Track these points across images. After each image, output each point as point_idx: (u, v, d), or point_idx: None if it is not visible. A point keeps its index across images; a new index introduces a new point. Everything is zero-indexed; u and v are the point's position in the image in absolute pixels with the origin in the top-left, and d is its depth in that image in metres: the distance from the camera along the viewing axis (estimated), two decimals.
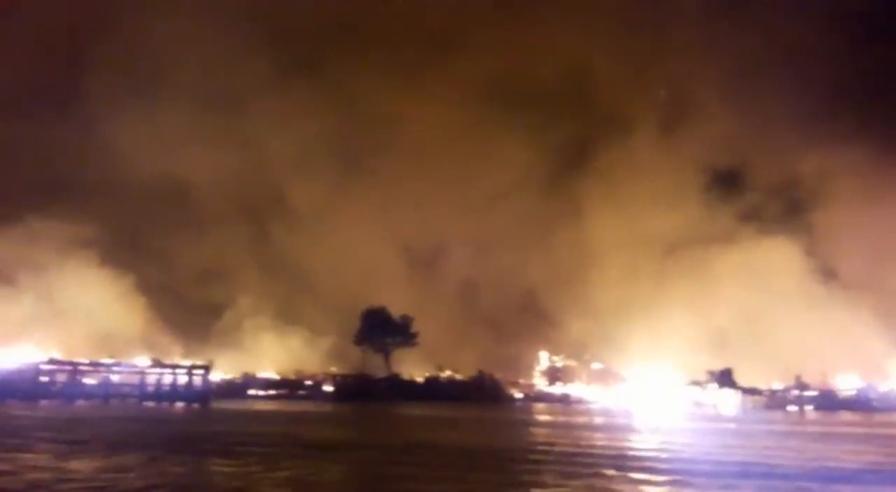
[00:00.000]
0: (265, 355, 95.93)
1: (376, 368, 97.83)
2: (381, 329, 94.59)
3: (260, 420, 45.43)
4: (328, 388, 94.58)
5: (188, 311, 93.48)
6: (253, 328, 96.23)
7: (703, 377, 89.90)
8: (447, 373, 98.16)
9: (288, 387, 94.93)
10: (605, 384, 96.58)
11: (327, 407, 69.22)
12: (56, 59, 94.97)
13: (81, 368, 63.72)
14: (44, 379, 62.34)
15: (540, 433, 36.93)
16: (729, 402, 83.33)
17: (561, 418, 53.66)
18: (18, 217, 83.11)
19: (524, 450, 25.00)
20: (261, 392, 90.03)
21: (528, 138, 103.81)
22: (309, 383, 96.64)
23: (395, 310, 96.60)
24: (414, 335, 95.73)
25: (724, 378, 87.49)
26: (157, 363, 67.88)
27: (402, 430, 38.30)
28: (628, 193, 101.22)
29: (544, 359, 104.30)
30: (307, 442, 27.77)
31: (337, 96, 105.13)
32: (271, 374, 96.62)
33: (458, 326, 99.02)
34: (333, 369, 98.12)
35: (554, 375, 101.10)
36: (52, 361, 64.84)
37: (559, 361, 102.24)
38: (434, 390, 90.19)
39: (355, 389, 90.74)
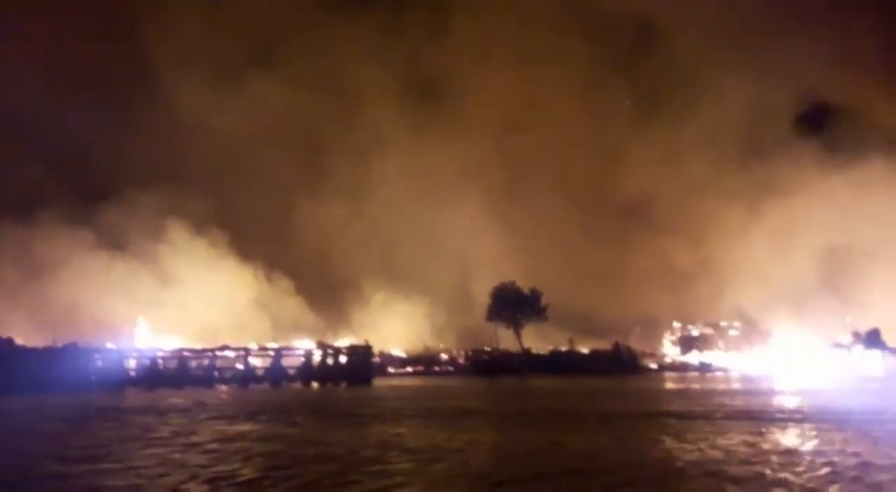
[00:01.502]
0: (394, 332, 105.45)
1: (506, 342, 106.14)
2: (513, 304, 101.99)
3: (434, 395, 53.92)
4: (453, 364, 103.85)
5: (316, 291, 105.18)
6: (380, 305, 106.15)
7: (847, 339, 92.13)
8: (580, 347, 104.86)
9: (423, 364, 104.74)
10: (743, 351, 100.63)
11: (466, 382, 76.66)
12: None
13: (253, 353, 74.89)
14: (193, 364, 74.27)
15: (689, 397, 43.15)
16: (876, 363, 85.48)
17: (704, 385, 59.46)
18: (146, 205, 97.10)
19: (686, 413, 31.53)
20: (399, 370, 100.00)
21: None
22: (444, 358, 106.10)
23: (524, 283, 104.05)
24: (544, 309, 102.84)
25: (872, 339, 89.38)
26: (321, 345, 77.78)
27: (563, 400, 45.36)
28: None
29: (677, 328, 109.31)
30: (482, 412, 35.53)
31: None
32: (400, 351, 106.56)
33: (585, 297, 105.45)
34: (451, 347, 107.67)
35: (689, 343, 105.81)
36: (223, 347, 76.42)
37: (695, 330, 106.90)
38: (569, 362, 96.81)
39: (490, 364, 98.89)
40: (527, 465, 15.16)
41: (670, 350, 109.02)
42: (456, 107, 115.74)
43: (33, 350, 72.50)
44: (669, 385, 63.45)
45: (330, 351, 74.71)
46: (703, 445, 18.09)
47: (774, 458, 15.86)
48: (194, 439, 22.10)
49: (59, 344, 74.56)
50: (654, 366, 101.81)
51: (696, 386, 58.82)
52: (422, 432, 23.15)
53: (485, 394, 53.76)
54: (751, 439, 18.53)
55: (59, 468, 16.07)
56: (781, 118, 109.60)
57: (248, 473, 15.00)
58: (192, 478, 14.56)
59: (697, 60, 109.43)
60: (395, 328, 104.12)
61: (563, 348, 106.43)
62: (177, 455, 18.34)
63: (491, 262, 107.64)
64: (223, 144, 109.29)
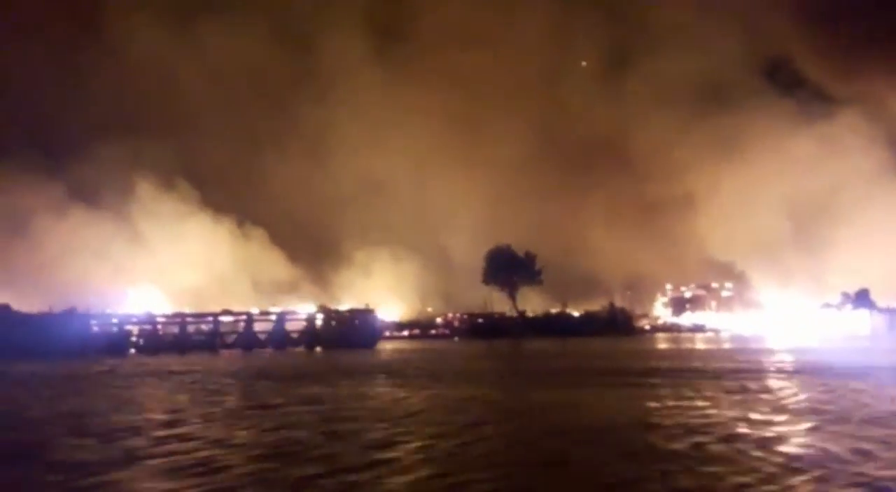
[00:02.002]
0: (380, 295, 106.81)
1: (499, 306, 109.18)
2: (507, 267, 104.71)
3: (441, 357, 56.40)
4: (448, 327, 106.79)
5: (293, 250, 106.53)
6: (362, 266, 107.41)
7: (837, 299, 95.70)
8: (571, 310, 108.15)
9: (420, 327, 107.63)
10: (735, 312, 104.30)
11: (466, 346, 79.05)
12: None
13: (255, 317, 77.23)
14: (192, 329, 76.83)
15: (684, 355, 45.92)
16: (865, 323, 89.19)
17: (696, 345, 62.56)
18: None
19: (681, 369, 34.16)
20: (394, 333, 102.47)
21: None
22: (439, 322, 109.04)
23: (518, 246, 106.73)
24: (539, 272, 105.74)
25: (861, 299, 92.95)
26: (323, 309, 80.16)
27: (570, 359, 47.92)
28: None
29: (669, 289, 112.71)
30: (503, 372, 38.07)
31: None
32: (391, 314, 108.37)
33: (577, 259, 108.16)
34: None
35: (681, 304, 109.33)
36: (225, 312, 78.67)
37: (687, 291, 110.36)
38: (563, 325, 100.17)
39: (486, 327, 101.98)
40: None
41: (662, 312, 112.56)
42: (422, 52, 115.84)
43: (30, 316, 74.57)
44: (663, 345, 66.50)
45: (333, 315, 77.17)
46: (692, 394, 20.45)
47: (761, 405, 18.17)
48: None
49: (56, 310, 76.99)
50: (647, 327, 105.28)
51: (689, 346, 61.91)
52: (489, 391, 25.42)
53: (495, 356, 56.17)
54: (739, 395, 20.84)
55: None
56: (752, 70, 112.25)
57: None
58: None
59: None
60: (380, 291, 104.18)
61: (557, 311, 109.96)
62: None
63: (473, 223, 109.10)
64: (180, 93, 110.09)
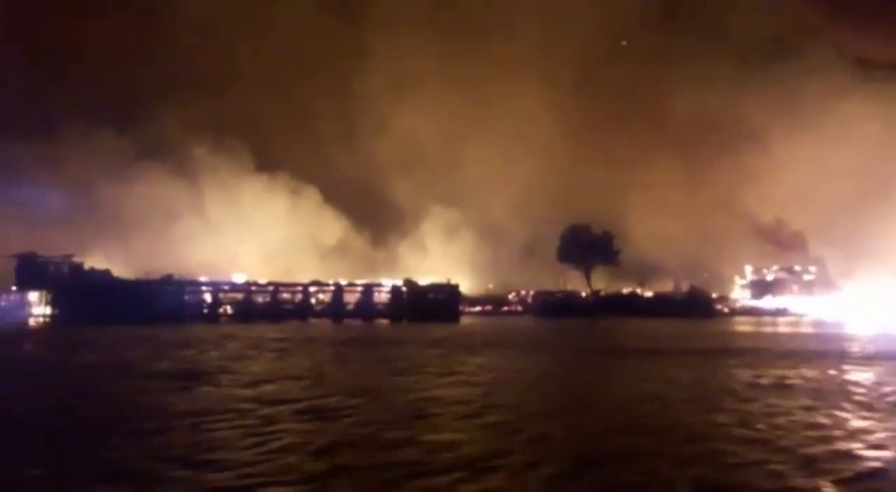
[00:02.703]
0: (445, 269, 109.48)
1: (572, 283, 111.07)
2: (584, 247, 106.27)
3: (524, 332, 59.03)
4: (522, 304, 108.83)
5: (363, 223, 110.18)
6: (429, 237, 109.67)
7: None
8: (651, 289, 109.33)
9: (492, 303, 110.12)
10: (818, 296, 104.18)
11: (544, 323, 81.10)
12: None
13: (345, 288, 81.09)
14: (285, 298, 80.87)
15: (768, 338, 47.51)
16: None
17: (785, 329, 63.72)
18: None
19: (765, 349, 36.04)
20: (468, 309, 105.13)
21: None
22: (512, 298, 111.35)
23: (596, 225, 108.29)
24: (616, 253, 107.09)
25: None
26: (408, 283, 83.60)
27: (655, 340, 49.97)
28: None
29: (749, 271, 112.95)
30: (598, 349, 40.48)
31: None
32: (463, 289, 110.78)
33: (657, 241, 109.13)
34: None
35: (762, 287, 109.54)
36: (314, 283, 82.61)
37: (769, 274, 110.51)
38: (640, 305, 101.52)
39: (559, 305, 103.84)
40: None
41: (740, 294, 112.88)
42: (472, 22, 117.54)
43: (129, 282, 79.59)
44: (748, 328, 67.33)
45: (417, 289, 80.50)
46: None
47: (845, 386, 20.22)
48: None
49: (152, 276, 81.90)
50: (725, 310, 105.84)
51: (780, 330, 63.02)
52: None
53: (584, 335, 58.50)
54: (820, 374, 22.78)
55: None
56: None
57: None
58: None
59: None
60: (438, 264, 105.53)
61: (632, 290, 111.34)
62: None
63: (523, 199, 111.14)
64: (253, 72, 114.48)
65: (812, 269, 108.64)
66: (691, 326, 67.41)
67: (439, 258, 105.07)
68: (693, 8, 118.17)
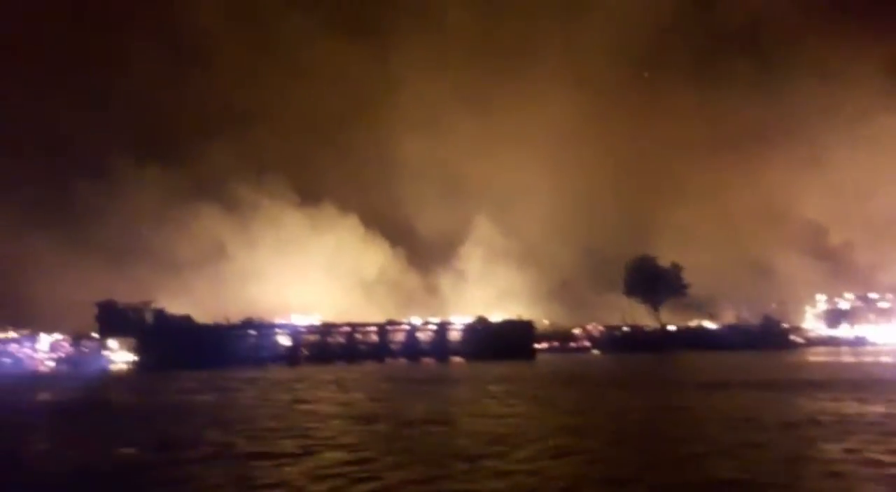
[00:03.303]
0: (494, 302, 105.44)
1: (640, 317, 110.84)
2: (651, 279, 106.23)
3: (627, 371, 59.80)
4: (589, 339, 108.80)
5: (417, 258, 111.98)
6: (478, 272, 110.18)
7: None
8: (719, 321, 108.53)
9: (559, 339, 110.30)
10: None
11: (621, 360, 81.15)
12: None
13: (418, 328, 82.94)
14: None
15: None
16: None
17: (862, 359, 63.23)
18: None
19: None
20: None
21: None
22: (576, 332, 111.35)
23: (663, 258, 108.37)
24: (685, 286, 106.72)
25: None
26: (481, 320, 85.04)
27: (748, 372, 50.36)
28: None
29: (821, 300, 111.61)
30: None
31: None
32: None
33: (724, 272, 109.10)
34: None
35: (837, 316, 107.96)
36: (389, 322, 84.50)
37: (844, 303, 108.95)
38: (712, 338, 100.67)
39: (627, 340, 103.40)
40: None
41: (814, 324, 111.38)
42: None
43: (211, 327, 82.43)
44: (831, 359, 66.55)
45: (490, 326, 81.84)
46: None
47: None
48: None
49: (232, 321, 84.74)
50: (799, 341, 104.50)
51: (864, 360, 62.54)
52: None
53: (674, 370, 59.08)
54: None
55: None
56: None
57: None
58: None
59: None
60: (487, 297, 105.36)
61: (698, 323, 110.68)
62: None
63: (603, 228, 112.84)
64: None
65: (889, 296, 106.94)
66: (772, 359, 67.18)
67: (484, 291, 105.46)
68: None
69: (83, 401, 35.76)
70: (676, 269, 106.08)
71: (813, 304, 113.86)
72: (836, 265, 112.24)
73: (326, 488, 12.89)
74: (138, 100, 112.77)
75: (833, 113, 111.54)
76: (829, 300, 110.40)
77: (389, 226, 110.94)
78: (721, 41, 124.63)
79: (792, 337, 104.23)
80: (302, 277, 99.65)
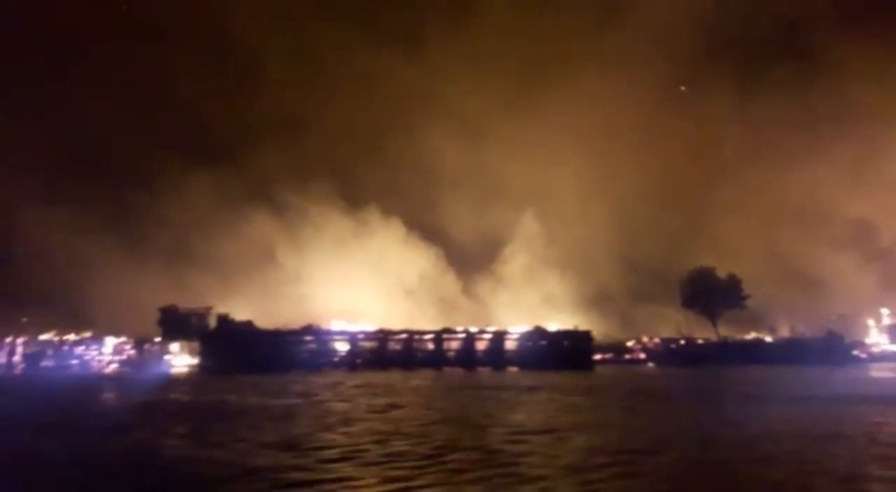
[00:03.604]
0: (537, 312, 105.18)
1: (697, 329, 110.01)
2: (709, 291, 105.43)
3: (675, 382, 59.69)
4: (645, 351, 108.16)
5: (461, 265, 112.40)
6: (521, 278, 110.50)
7: None
8: (778, 334, 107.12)
9: (613, 350, 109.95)
10: None
11: (666, 371, 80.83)
12: None
13: (475, 336, 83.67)
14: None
15: None
16: None
17: None
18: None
19: None
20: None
21: None
22: (631, 345, 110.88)
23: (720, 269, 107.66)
24: (743, 298, 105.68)
25: None
26: (538, 330, 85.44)
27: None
28: None
29: (885, 314, 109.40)
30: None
31: None
32: None
33: (774, 282, 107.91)
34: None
35: None
36: (446, 330, 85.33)
37: None
38: (770, 352, 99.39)
39: (683, 353, 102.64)
40: None
41: (877, 338, 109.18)
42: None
43: (270, 332, 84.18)
44: None
45: (549, 336, 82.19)
46: None
47: None
48: None
49: (291, 327, 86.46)
50: (863, 356, 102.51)
51: None
52: None
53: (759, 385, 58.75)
54: None
55: None
56: None
57: None
58: None
59: None
60: (537, 304, 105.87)
61: (755, 337, 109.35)
62: None
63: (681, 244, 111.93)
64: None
65: None
66: (846, 374, 66.12)
67: (525, 298, 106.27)
68: None
69: (186, 403, 36.92)
70: (734, 280, 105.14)
71: (877, 318, 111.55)
72: (888, 265, 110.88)
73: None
74: (186, 109, 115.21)
75: (882, 109, 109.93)
76: (893, 314, 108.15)
77: (430, 231, 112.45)
78: (762, 45, 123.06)
79: (855, 352, 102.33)
80: (348, 282, 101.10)
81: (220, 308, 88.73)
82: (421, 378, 60.33)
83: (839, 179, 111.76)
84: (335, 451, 18.13)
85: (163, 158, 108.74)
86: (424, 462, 16.40)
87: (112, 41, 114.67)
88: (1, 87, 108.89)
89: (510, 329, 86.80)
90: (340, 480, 14.70)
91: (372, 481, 14.58)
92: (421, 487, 14.07)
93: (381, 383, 50.23)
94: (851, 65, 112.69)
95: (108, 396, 43.24)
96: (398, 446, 18.88)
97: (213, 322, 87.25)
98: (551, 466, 15.90)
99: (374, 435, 21.02)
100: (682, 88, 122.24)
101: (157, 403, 37.36)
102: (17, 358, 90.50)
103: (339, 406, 32.05)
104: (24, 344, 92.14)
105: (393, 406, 31.19)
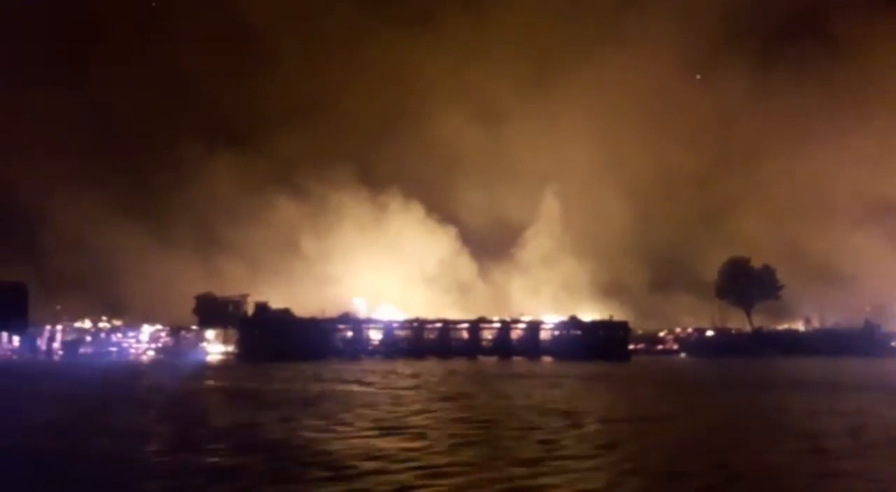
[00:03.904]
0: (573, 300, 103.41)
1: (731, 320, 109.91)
2: (744, 282, 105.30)
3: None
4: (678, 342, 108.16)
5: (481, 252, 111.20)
6: (540, 264, 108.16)
7: None
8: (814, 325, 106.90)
9: (645, 341, 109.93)
10: None
11: (700, 362, 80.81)
12: None
13: (509, 325, 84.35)
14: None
15: None
16: None
17: None
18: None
19: None
20: None
21: None
22: (664, 335, 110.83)
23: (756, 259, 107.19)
24: (778, 288, 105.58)
25: None
26: (573, 320, 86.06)
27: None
28: None
29: None
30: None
31: None
32: None
33: (809, 275, 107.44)
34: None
35: None
36: (481, 320, 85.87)
37: None
38: (808, 343, 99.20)
39: (717, 343, 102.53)
40: None
41: None
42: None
43: (308, 320, 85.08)
44: None
45: (584, 326, 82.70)
46: None
47: None
48: None
49: (326, 314, 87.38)
50: None
51: None
52: None
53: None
54: None
55: None
56: None
57: None
58: None
59: None
60: (558, 292, 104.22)
61: (788, 327, 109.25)
62: None
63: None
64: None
65: None
66: (883, 365, 66.29)
67: (545, 286, 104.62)
68: None
69: (254, 390, 37.55)
70: (769, 270, 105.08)
71: None
72: None
73: None
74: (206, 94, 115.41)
75: None
76: None
77: (447, 215, 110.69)
78: (781, 29, 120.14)
79: (894, 343, 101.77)
80: (371, 267, 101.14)
81: (253, 296, 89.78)
82: (464, 367, 61.16)
83: (863, 165, 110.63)
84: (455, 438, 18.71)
85: (186, 142, 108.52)
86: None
87: (136, 29, 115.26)
88: (33, 76, 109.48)
89: (543, 319, 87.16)
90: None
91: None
92: None
93: (433, 371, 50.91)
94: (874, 48, 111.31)
95: (170, 381, 43.99)
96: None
97: (249, 310, 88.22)
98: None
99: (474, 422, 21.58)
100: (698, 77, 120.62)
101: (228, 389, 38.17)
102: (56, 345, 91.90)
103: (408, 393, 32.75)
104: (63, 331, 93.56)
105: (463, 395, 31.82)
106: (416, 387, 36.72)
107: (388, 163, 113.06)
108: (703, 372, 57.18)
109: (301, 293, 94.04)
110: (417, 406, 26.30)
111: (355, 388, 36.37)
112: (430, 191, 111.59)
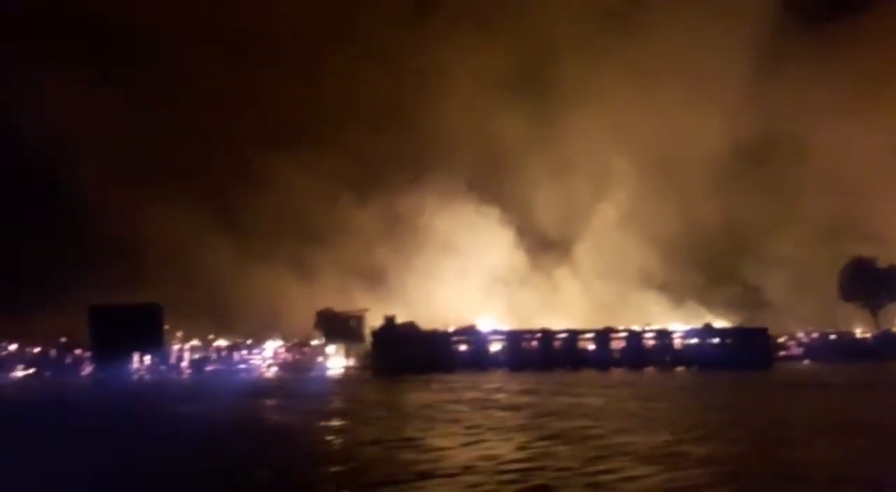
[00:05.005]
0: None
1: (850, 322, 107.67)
2: (871, 282, 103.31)
3: None
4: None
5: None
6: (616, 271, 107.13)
7: None
8: None
9: None
10: None
11: (828, 368, 79.06)
12: None
13: (640, 335, 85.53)
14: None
15: None
16: None
17: None
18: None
19: None
20: None
21: None
22: (783, 341, 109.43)
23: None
24: None
25: None
26: (708, 328, 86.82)
27: None
28: None
29: None
30: None
31: None
32: None
33: None
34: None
35: None
36: (609, 330, 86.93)
37: None
38: None
39: (842, 348, 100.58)
40: None
41: None
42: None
43: (433, 333, 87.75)
44: None
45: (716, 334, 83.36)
46: None
47: None
48: None
49: (450, 328, 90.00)
50: None
51: None
52: None
53: None
54: None
55: None
56: None
57: None
58: None
59: None
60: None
61: None
62: None
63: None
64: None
65: None
66: None
67: (601, 290, 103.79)
68: None
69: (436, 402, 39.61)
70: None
71: None
72: None
73: None
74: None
75: None
76: None
77: (517, 220, 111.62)
78: None
79: None
80: (460, 277, 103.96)
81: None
82: (625, 377, 62.22)
83: None
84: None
85: (260, 154, 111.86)
86: None
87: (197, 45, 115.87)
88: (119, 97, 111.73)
89: (673, 327, 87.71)
90: None
91: None
92: None
93: (591, 383, 52.50)
94: None
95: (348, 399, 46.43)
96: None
97: (369, 324, 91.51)
98: None
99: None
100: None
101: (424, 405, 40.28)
102: (184, 364, 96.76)
103: (597, 402, 34.58)
104: (190, 350, 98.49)
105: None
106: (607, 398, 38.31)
107: (460, 170, 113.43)
108: (852, 379, 57.05)
109: (407, 306, 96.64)
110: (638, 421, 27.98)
111: (562, 399, 38.07)
112: (499, 194, 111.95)
